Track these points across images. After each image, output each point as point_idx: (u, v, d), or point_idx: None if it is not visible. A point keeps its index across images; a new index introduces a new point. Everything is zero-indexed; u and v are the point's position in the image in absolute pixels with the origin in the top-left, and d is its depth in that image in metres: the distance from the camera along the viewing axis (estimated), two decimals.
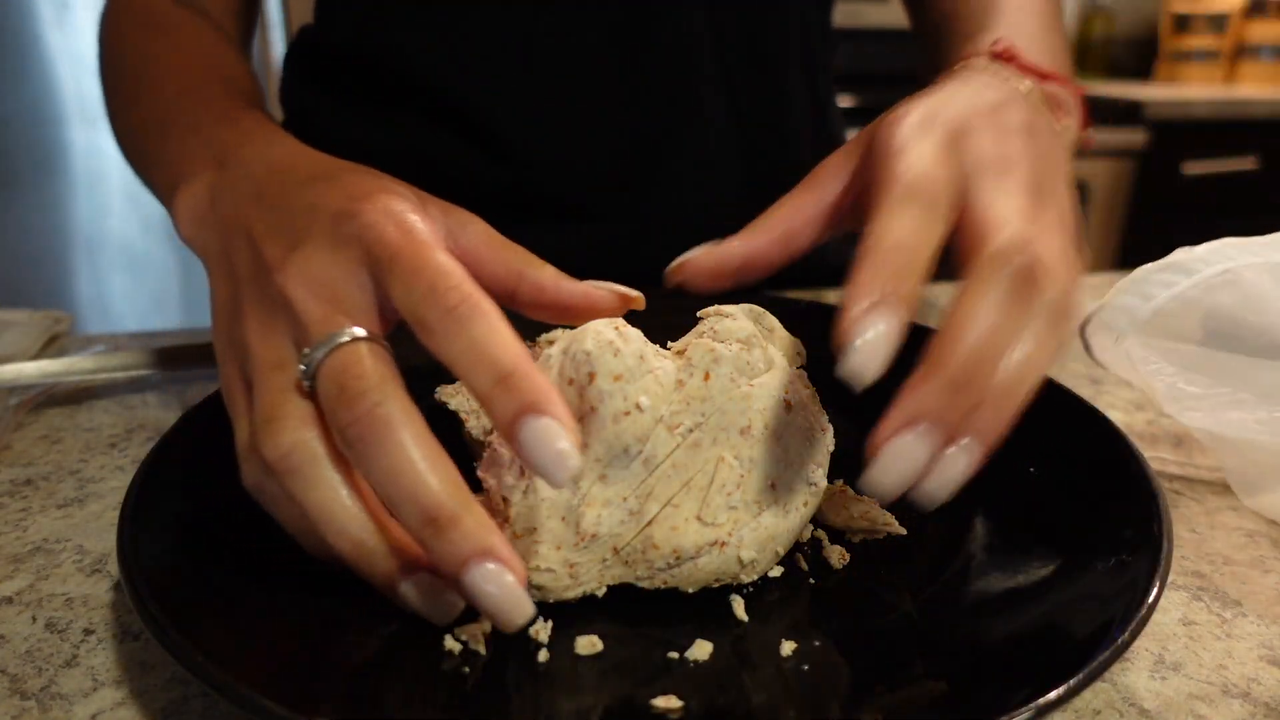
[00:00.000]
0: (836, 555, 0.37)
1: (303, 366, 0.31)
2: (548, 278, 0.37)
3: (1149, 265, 0.43)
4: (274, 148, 0.41)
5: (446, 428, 0.42)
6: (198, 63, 0.53)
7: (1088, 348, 0.45)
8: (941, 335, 0.30)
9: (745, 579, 0.34)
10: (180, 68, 0.53)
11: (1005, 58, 0.44)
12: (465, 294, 0.30)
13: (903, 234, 0.31)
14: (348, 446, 0.30)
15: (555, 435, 0.28)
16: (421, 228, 0.33)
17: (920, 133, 0.35)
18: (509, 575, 0.28)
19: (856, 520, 0.38)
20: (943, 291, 0.80)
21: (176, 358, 0.57)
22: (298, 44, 0.72)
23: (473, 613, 0.33)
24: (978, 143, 0.35)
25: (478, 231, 0.37)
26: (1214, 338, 0.42)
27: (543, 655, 0.31)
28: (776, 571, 0.36)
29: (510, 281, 0.37)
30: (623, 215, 0.66)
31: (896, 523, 0.38)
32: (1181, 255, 0.43)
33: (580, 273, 0.41)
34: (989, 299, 0.30)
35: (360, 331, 0.32)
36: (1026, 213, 0.33)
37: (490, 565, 0.28)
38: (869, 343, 0.29)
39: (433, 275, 0.31)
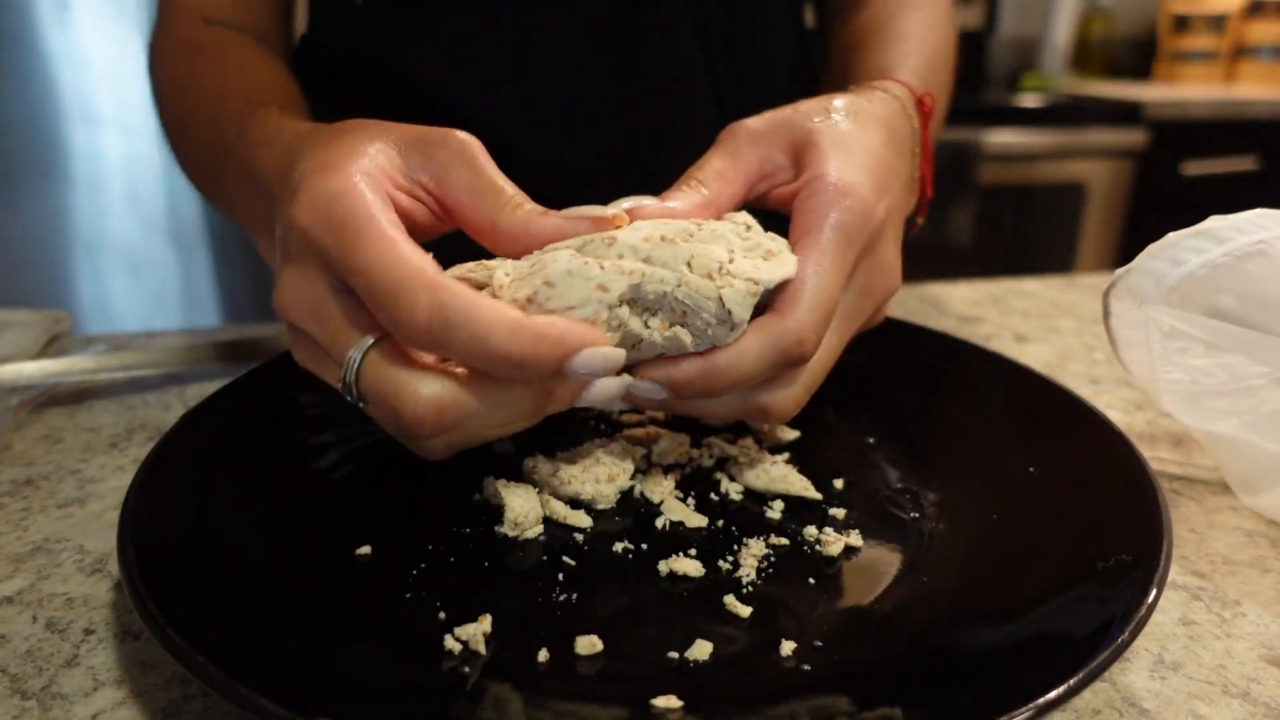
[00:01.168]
0: (836, 546, 0.38)
1: (347, 397, 0.34)
2: (518, 225, 0.36)
3: (1181, 231, 0.42)
4: (275, 153, 0.41)
5: None
6: (227, 84, 0.54)
7: (1107, 314, 0.44)
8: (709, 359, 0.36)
9: None
10: (211, 92, 0.53)
11: (924, 111, 0.48)
12: (429, 306, 0.31)
13: (746, 368, 0.36)
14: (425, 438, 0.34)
15: (593, 362, 0.33)
16: (351, 216, 0.33)
17: (849, 235, 0.38)
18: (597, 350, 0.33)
19: (776, 483, 0.42)
20: (941, 290, 0.80)
21: (177, 358, 0.57)
22: (297, 53, 0.72)
23: (472, 613, 0.33)
24: (869, 267, 0.40)
25: (459, 178, 0.36)
26: (1241, 308, 0.40)
27: (543, 655, 0.31)
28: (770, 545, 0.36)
29: (487, 230, 0.37)
30: None
31: (812, 487, 0.42)
32: (1215, 222, 0.41)
33: None
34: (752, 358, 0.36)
35: (362, 347, 0.33)
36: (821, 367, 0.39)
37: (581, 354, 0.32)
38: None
39: (387, 297, 0.32)
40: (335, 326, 0.34)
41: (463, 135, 0.37)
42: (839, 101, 0.43)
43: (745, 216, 0.40)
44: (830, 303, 0.37)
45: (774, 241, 0.38)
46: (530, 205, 0.37)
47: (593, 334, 0.33)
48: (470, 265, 0.37)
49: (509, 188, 0.37)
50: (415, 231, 0.38)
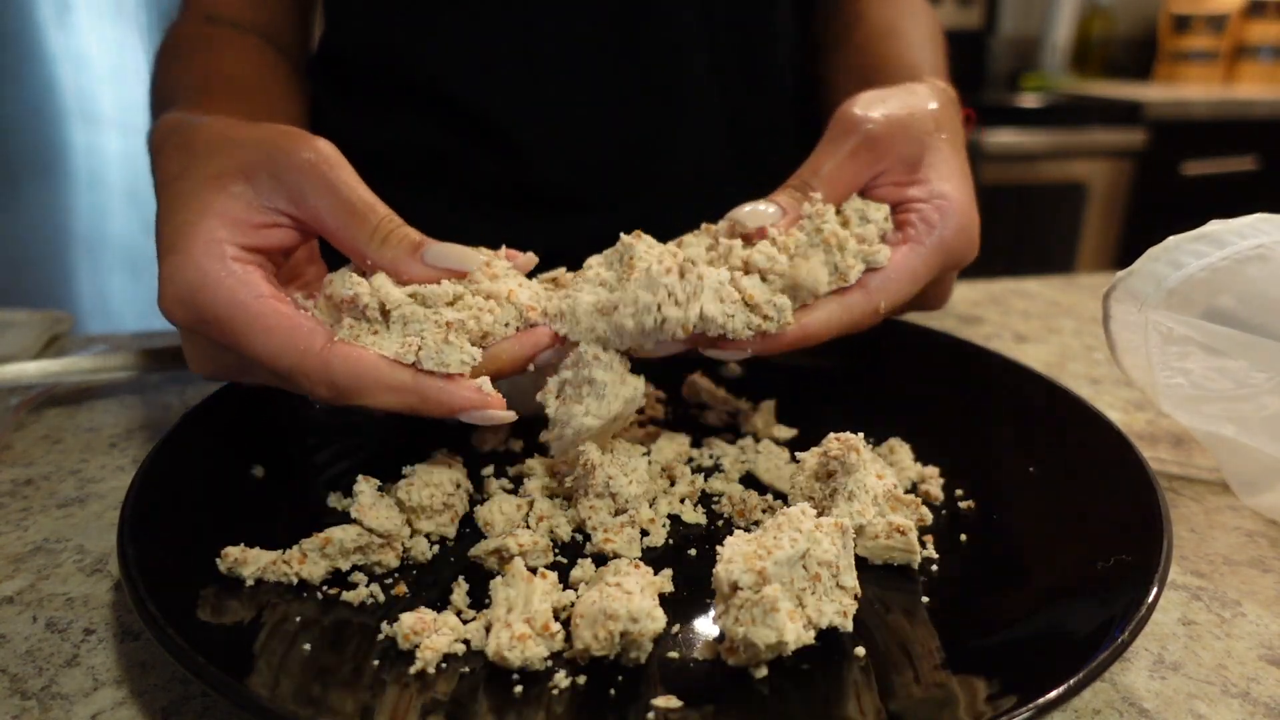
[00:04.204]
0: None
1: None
2: (388, 265, 0.37)
3: (1181, 235, 0.42)
4: (160, 204, 0.40)
5: None
6: (188, 78, 0.54)
7: (1107, 318, 0.44)
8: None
9: None
10: (172, 88, 0.54)
11: (969, 122, 0.54)
12: (324, 383, 0.35)
13: (825, 334, 0.41)
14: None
15: (487, 416, 0.36)
16: (219, 309, 0.35)
17: (949, 248, 0.44)
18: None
19: (781, 482, 0.44)
20: None
21: (176, 358, 0.57)
22: (318, 53, 0.73)
23: (473, 613, 0.33)
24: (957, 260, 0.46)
25: (318, 202, 0.37)
26: (1240, 309, 0.40)
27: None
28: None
29: (358, 258, 0.37)
30: (620, 206, 0.67)
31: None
32: (1215, 226, 0.42)
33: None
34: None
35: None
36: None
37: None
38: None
39: (285, 379, 0.35)
40: (256, 374, 0.38)
41: (313, 150, 0.37)
42: (940, 112, 0.46)
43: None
44: (909, 296, 0.43)
45: (877, 210, 0.44)
46: (399, 236, 0.37)
47: (475, 399, 0.36)
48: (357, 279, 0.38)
49: (373, 211, 0.37)
50: (289, 253, 0.39)
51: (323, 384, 0.35)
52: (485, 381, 0.37)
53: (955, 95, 0.51)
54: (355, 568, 0.36)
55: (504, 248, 0.42)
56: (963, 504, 0.41)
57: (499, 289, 0.39)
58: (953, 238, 0.44)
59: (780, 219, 0.42)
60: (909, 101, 0.45)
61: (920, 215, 0.44)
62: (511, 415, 0.37)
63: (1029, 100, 2.33)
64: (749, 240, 0.42)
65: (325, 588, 0.35)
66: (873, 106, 0.44)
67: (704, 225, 0.45)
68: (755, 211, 0.42)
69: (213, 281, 0.35)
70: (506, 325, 0.38)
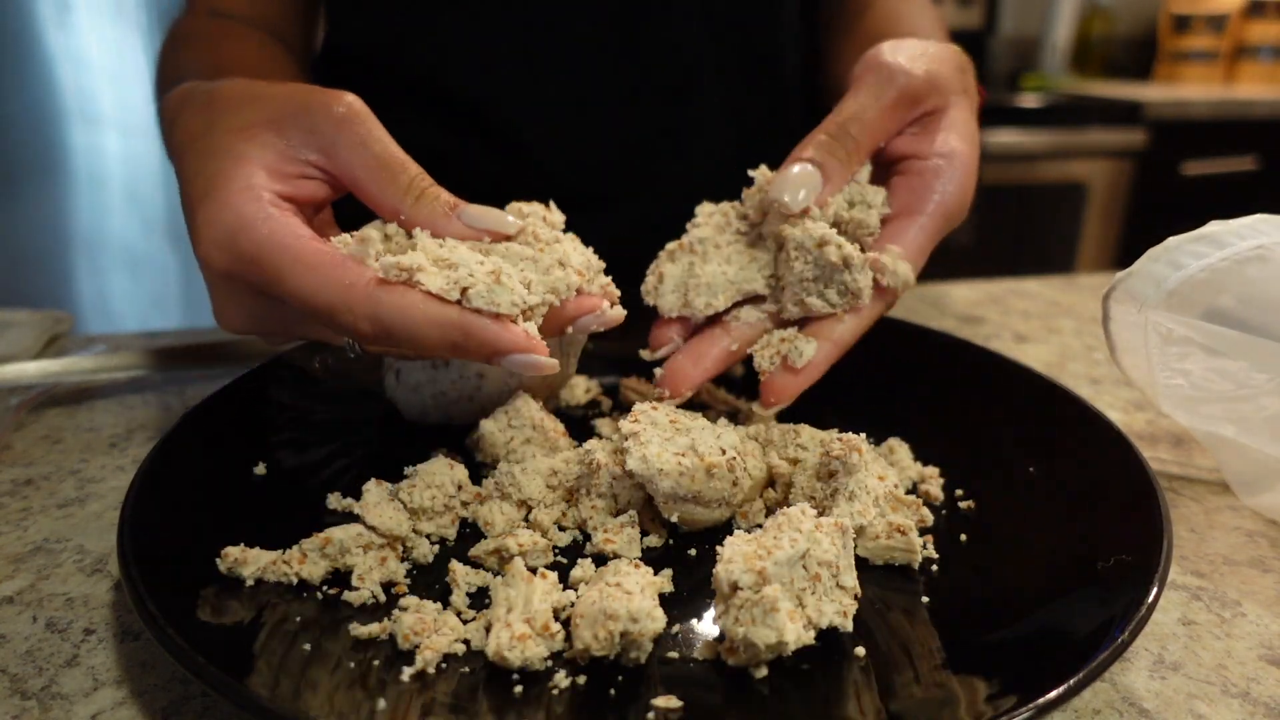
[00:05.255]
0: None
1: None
2: (425, 218, 0.37)
3: (1181, 235, 0.42)
4: (183, 163, 0.40)
5: None
6: (196, 62, 0.54)
7: (1106, 318, 0.44)
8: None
9: None
10: (181, 70, 0.53)
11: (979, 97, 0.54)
12: (369, 320, 0.34)
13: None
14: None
15: (531, 362, 0.35)
16: (259, 249, 0.34)
17: (949, 211, 0.44)
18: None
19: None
20: (941, 290, 0.80)
21: (176, 358, 0.57)
22: (323, 54, 0.73)
23: (471, 613, 0.33)
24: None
25: (350, 156, 0.37)
26: (1240, 310, 0.40)
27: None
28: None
29: (391, 214, 0.37)
30: (623, 205, 0.67)
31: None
32: (1215, 227, 0.42)
33: None
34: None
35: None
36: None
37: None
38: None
39: (329, 317, 0.34)
40: (290, 323, 0.37)
41: (345, 105, 0.37)
42: (964, 77, 0.47)
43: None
44: (919, 269, 0.43)
45: (876, 194, 0.44)
46: (433, 194, 0.37)
47: (523, 341, 0.34)
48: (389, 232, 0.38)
49: (405, 168, 0.37)
50: (319, 205, 0.39)
51: (366, 319, 0.34)
52: (532, 326, 0.36)
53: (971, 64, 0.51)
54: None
55: (551, 202, 0.42)
56: (963, 504, 0.41)
57: (555, 250, 0.39)
58: (952, 199, 0.44)
59: (822, 188, 0.41)
60: (943, 57, 0.45)
61: (920, 171, 0.44)
62: (555, 364, 0.36)
63: (1029, 100, 2.33)
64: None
65: (325, 588, 0.35)
66: (912, 59, 0.44)
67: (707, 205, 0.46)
68: (797, 185, 0.40)
69: (251, 222, 0.35)
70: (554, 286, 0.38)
